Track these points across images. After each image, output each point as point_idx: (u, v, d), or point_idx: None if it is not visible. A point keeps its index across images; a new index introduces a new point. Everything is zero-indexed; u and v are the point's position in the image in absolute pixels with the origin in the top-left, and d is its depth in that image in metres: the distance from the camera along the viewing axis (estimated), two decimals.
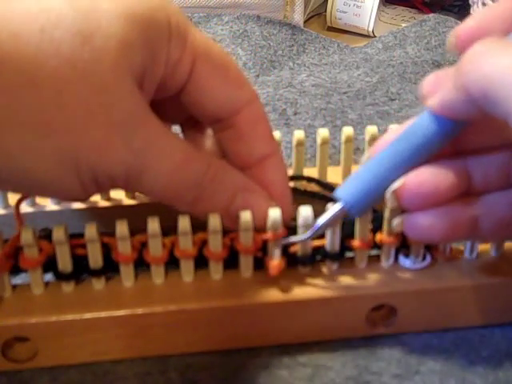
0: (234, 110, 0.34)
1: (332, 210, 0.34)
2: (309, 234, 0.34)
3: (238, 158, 0.35)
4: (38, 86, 0.27)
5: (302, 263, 0.36)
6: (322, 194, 0.42)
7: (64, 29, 0.28)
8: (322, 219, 0.34)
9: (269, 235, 0.34)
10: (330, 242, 0.36)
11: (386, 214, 0.35)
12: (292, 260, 0.36)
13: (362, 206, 0.33)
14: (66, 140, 0.28)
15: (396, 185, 0.32)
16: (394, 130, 0.34)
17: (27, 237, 0.33)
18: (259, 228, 0.34)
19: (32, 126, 0.28)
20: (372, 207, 0.35)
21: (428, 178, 0.32)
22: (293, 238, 0.35)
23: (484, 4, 0.81)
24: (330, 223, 0.34)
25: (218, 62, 0.33)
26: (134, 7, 0.30)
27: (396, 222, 0.34)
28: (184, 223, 0.34)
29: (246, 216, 0.34)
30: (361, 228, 0.36)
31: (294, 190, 0.41)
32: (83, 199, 0.32)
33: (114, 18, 0.29)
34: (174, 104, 0.34)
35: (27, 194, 0.32)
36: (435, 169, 0.32)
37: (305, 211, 0.34)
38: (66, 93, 0.28)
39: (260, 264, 0.36)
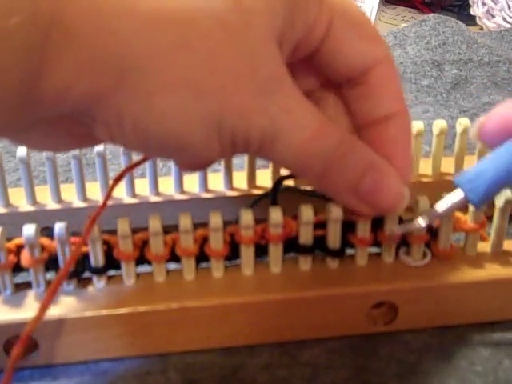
0: (368, 66, 0.34)
1: (452, 197, 0.33)
2: (426, 221, 0.34)
3: (364, 114, 0.35)
4: (192, 47, 0.27)
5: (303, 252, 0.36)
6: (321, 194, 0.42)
7: None
8: (441, 206, 0.34)
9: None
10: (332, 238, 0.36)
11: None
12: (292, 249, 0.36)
13: (483, 196, 0.32)
14: (215, 103, 0.28)
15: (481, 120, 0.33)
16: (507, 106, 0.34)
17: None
18: (387, 211, 0.34)
19: (185, 89, 0.28)
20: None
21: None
22: (409, 226, 0.35)
23: (484, 4, 0.81)
24: (449, 211, 0.34)
25: (355, 19, 0.33)
26: None
27: (473, 129, 0.34)
28: (185, 221, 0.34)
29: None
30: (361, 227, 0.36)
31: (293, 190, 0.42)
32: (217, 159, 0.32)
33: None
34: (306, 65, 0.34)
35: (165, 155, 0.32)
36: None
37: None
38: (217, 55, 0.28)
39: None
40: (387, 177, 0.33)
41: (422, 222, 0.34)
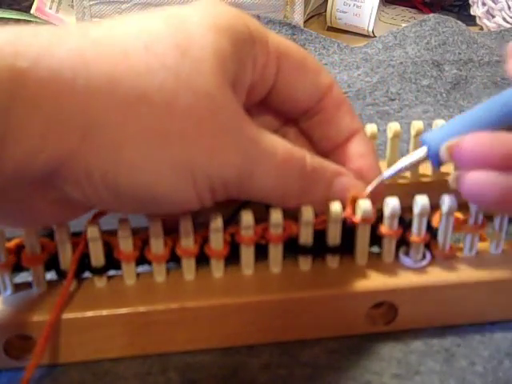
0: (319, 95, 0.36)
1: (416, 153, 0.35)
2: (389, 174, 0.36)
3: (327, 140, 0.37)
4: (150, 99, 0.28)
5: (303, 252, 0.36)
6: None
7: (164, 44, 0.29)
8: (404, 161, 0.36)
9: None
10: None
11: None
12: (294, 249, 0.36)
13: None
14: (182, 149, 0.29)
15: (453, 140, 0.33)
16: None
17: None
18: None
19: (149, 139, 0.29)
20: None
21: (485, 141, 0.33)
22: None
23: (484, 4, 0.81)
24: (411, 166, 0.36)
25: (297, 56, 0.35)
26: (218, 18, 0.31)
27: (452, 176, 0.34)
28: (185, 223, 0.34)
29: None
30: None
31: None
32: (196, 208, 0.32)
33: (205, 30, 0.30)
34: (261, 109, 0.36)
35: (142, 210, 0.33)
36: (495, 135, 0.33)
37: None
38: (174, 103, 0.29)
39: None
40: (350, 177, 0.36)
41: (385, 173, 0.36)
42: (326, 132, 0.37)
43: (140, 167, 0.29)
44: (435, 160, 0.35)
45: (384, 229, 0.36)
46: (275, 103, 0.36)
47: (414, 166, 0.36)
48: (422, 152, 0.35)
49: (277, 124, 0.38)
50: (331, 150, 0.37)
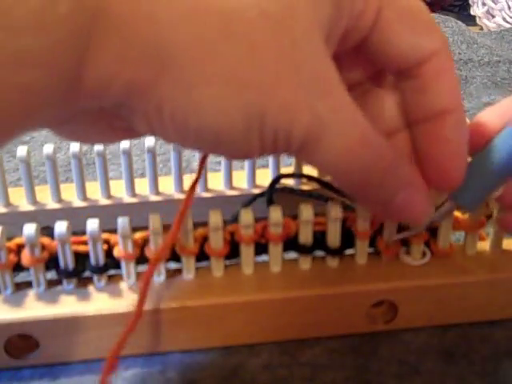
0: (420, 59, 0.32)
1: (445, 208, 0.35)
2: (420, 228, 0.36)
3: (417, 109, 0.33)
4: (235, 39, 0.27)
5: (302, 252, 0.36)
6: (318, 194, 0.42)
7: None
8: (436, 216, 0.35)
9: None
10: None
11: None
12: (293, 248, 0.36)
13: (473, 202, 0.34)
14: (256, 97, 0.27)
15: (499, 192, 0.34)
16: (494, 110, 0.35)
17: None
18: (412, 226, 0.36)
19: (225, 81, 0.27)
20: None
21: None
22: (407, 233, 0.36)
23: (484, 4, 0.81)
24: (443, 217, 0.36)
25: (407, 7, 0.31)
26: None
27: (500, 222, 0.35)
28: (185, 221, 0.34)
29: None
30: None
31: (289, 190, 0.42)
32: (256, 157, 0.30)
33: None
34: (354, 56, 0.33)
35: (204, 148, 0.31)
36: None
37: None
38: (259, 48, 0.27)
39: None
40: (419, 196, 0.32)
41: (416, 229, 0.36)
42: (416, 101, 0.33)
43: (212, 110, 0.27)
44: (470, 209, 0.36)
45: None
46: (368, 54, 0.32)
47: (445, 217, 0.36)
48: (451, 208, 0.35)
49: (366, 76, 0.35)
50: (419, 122, 0.33)
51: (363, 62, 0.34)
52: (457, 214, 0.37)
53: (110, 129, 0.30)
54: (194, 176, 0.34)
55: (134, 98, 0.27)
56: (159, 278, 0.36)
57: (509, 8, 0.79)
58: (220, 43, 0.26)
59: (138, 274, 0.36)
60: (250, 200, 0.39)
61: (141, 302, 0.32)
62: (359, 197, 0.32)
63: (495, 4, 0.80)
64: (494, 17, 0.80)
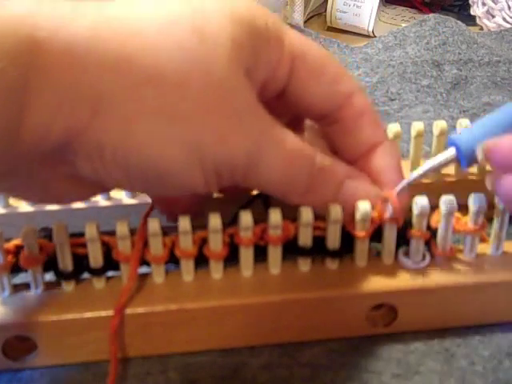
0: (335, 105, 0.35)
1: (444, 154, 0.34)
2: (415, 175, 0.35)
3: (347, 150, 0.36)
4: (162, 79, 0.29)
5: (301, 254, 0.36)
6: None
7: (182, 26, 0.29)
8: (432, 163, 0.35)
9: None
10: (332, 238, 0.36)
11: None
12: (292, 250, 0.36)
13: (472, 158, 0.34)
14: (190, 129, 0.29)
15: (490, 141, 0.33)
16: None
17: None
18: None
19: (158, 115, 0.29)
20: None
21: None
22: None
23: (484, 4, 0.81)
24: (438, 167, 0.35)
25: (315, 60, 0.34)
26: (237, 9, 0.31)
27: (488, 179, 0.34)
28: (184, 222, 0.34)
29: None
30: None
31: None
32: (202, 191, 0.32)
33: (222, 18, 0.30)
34: (275, 106, 0.35)
35: (148, 187, 0.33)
36: None
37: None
38: (187, 86, 0.29)
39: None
40: (362, 180, 0.35)
41: (411, 175, 0.35)
42: (345, 142, 0.36)
43: (148, 144, 0.29)
44: (464, 161, 0.34)
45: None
46: (290, 104, 0.35)
47: (441, 168, 0.36)
48: (450, 153, 0.35)
49: (286, 123, 0.36)
50: (353, 160, 0.36)
51: (284, 110, 0.36)
52: (457, 215, 0.37)
53: (58, 180, 0.31)
54: None
55: (73, 140, 0.28)
56: (158, 279, 0.36)
57: (509, 8, 0.79)
58: (148, 84, 0.28)
59: (137, 276, 0.36)
60: (247, 202, 0.39)
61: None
62: (311, 202, 0.34)
63: (495, 4, 0.80)
64: (494, 17, 0.80)
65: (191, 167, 0.30)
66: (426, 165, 0.35)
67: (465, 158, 0.34)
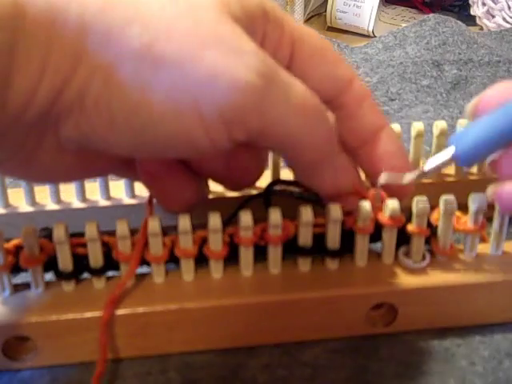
0: (337, 89, 0.34)
1: (443, 154, 0.34)
2: (415, 175, 0.35)
3: (352, 136, 0.36)
4: (145, 21, 0.27)
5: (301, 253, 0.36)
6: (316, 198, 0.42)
7: None
8: (432, 163, 0.34)
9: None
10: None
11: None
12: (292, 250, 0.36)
13: (472, 158, 0.34)
14: (178, 71, 0.27)
15: (496, 155, 0.33)
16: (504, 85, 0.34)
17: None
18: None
19: (142, 58, 0.27)
20: None
21: None
22: (395, 177, 0.35)
23: (484, 4, 0.81)
24: (438, 168, 0.35)
25: (315, 44, 0.34)
26: None
27: (489, 190, 0.34)
28: (184, 222, 0.34)
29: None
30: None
31: (286, 193, 0.42)
32: (208, 150, 0.29)
33: None
34: None
35: (140, 146, 0.29)
36: None
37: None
38: (172, 28, 0.28)
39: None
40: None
41: (408, 176, 0.35)
42: (348, 128, 0.35)
43: (132, 87, 0.27)
44: (464, 162, 0.34)
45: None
46: None
47: (441, 168, 0.35)
48: (450, 152, 0.34)
49: None
50: (358, 147, 0.36)
51: None
52: (458, 214, 0.37)
53: (46, 151, 0.30)
54: None
55: (58, 99, 0.27)
56: (158, 279, 0.36)
57: (509, 8, 0.79)
58: (133, 25, 0.27)
59: (137, 276, 0.36)
60: (245, 200, 0.39)
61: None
62: (316, 180, 0.34)
63: (495, 4, 0.80)
64: (494, 17, 0.80)
65: (184, 115, 0.28)
66: (428, 166, 0.35)
67: (465, 160, 0.34)
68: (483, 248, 0.38)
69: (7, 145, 0.29)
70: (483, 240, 0.39)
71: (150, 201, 0.37)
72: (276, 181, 0.40)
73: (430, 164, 0.34)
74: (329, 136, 0.32)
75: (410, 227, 0.36)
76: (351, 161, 0.35)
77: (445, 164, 0.34)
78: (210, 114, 0.28)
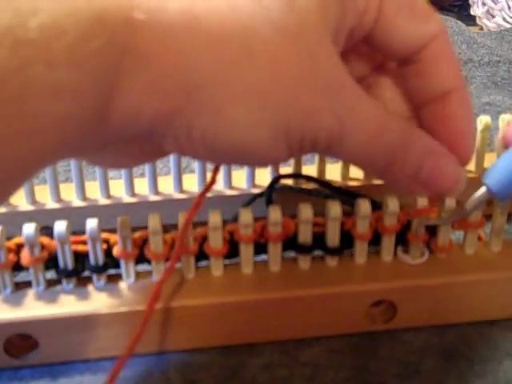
0: (421, 44, 0.33)
1: (477, 194, 0.34)
2: (453, 217, 0.35)
3: (421, 92, 0.35)
4: (254, 56, 0.28)
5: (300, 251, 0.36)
6: (317, 192, 0.42)
7: None
8: (469, 203, 0.35)
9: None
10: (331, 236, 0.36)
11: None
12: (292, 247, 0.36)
13: (507, 192, 0.34)
14: (280, 109, 0.29)
15: None
16: None
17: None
18: (446, 194, 0.34)
19: (250, 99, 0.28)
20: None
21: None
22: (435, 220, 0.36)
23: (484, 4, 0.81)
24: (475, 207, 0.35)
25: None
26: None
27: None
28: (183, 220, 0.34)
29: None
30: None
31: (289, 189, 0.42)
32: (283, 161, 0.32)
33: None
34: (355, 52, 0.34)
35: (232, 162, 0.33)
36: None
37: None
38: (277, 61, 0.28)
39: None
40: (445, 161, 0.33)
41: (448, 217, 0.36)
42: (420, 84, 0.34)
43: (240, 127, 0.28)
44: (501, 197, 0.34)
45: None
46: (372, 47, 0.34)
47: (478, 206, 0.35)
48: (482, 192, 0.34)
49: (370, 69, 0.36)
50: (425, 104, 0.35)
51: (366, 56, 0.35)
52: None
53: (140, 153, 0.31)
54: (195, 176, 0.34)
55: (163, 125, 0.28)
56: (158, 277, 0.36)
57: (509, 8, 0.79)
58: (241, 64, 0.27)
59: (137, 274, 0.36)
60: (249, 200, 0.39)
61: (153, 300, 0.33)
62: (389, 178, 0.33)
63: (495, 4, 0.80)
64: (494, 17, 0.80)
65: (279, 144, 0.30)
66: (465, 207, 0.35)
67: (501, 195, 0.34)
68: (482, 246, 0.38)
69: (106, 151, 0.30)
70: (480, 238, 0.39)
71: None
72: (277, 177, 0.40)
73: (469, 203, 0.35)
74: (401, 152, 0.32)
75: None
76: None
77: (482, 202, 0.35)
78: (295, 142, 0.30)
